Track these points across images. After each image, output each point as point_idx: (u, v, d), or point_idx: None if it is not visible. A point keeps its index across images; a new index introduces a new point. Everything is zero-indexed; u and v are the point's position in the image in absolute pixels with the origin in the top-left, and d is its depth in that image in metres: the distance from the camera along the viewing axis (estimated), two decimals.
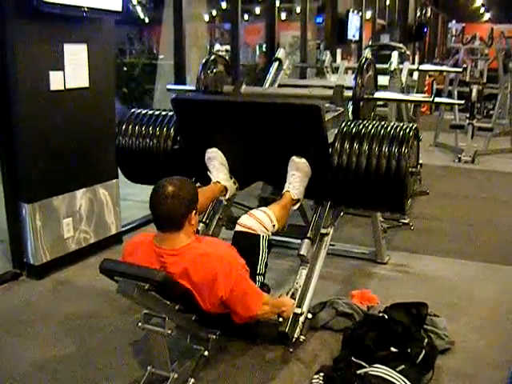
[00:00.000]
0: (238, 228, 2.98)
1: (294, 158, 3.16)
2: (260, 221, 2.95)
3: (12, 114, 3.61)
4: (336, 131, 3.12)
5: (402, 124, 3.11)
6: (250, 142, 3.34)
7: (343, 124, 3.15)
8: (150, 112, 3.72)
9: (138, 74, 9.26)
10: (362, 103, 3.52)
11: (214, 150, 3.38)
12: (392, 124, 3.10)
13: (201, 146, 3.42)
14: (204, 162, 3.41)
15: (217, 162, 3.37)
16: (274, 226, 2.99)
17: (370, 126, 3.07)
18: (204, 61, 3.89)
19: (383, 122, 3.15)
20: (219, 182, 3.33)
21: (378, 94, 3.75)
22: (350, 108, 3.60)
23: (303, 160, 3.15)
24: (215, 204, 3.54)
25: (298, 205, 3.24)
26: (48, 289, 3.76)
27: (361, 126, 3.09)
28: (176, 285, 2.48)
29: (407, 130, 3.00)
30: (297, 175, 3.16)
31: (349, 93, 3.61)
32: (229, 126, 3.36)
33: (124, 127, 3.66)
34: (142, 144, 3.59)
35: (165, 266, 2.52)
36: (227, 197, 3.42)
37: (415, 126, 3.08)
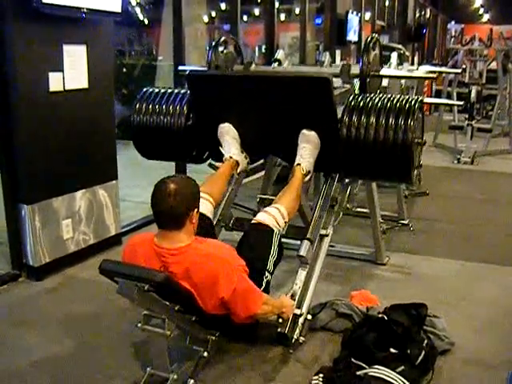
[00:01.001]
0: (253, 221, 3.09)
1: (304, 130, 3.28)
2: (274, 217, 3.04)
3: (11, 115, 3.61)
4: (344, 106, 3.21)
5: (407, 97, 3.20)
6: (262, 116, 3.44)
7: (351, 98, 3.25)
8: (163, 90, 3.84)
9: (137, 75, 9.27)
10: (368, 80, 3.61)
11: (227, 124, 3.51)
12: (398, 97, 3.20)
13: (213, 121, 3.54)
14: (216, 138, 3.52)
15: (229, 137, 3.50)
16: (285, 222, 3.10)
17: (377, 100, 3.18)
18: (214, 42, 4.00)
19: (389, 95, 3.24)
20: (231, 157, 3.46)
21: (383, 71, 3.88)
22: (357, 85, 3.71)
23: (313, 133, 3.27)
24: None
25: (308, 176, 3.35)
26: (47, 290, 3.75)
27: (368, 100, 3.20)
28: (176, 285, 2.48)
29: (412, 103, 3.10)
30: (307, 147, 3.28)
31: (355, 70, 3.72)
32: (241, 100, 3.45)
33: (138, 106, 3.80)
34: (156, 121, 3.73)
35: (166, 265, 2.52)
36: (239, 171, 3.54)
37: (420, 98, 3.17)
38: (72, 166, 4.00)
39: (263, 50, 9.16)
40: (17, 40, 3.50)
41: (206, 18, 9.57)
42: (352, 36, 10.45)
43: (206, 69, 3.95)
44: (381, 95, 3.27)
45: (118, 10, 3.99)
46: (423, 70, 5.57)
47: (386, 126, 3.04)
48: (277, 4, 7.87)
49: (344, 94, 3.58)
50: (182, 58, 5.62)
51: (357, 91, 3.70)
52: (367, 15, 12.71)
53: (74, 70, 3.88)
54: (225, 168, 3.48)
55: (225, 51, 4.03)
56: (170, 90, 3.84)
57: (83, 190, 4.12)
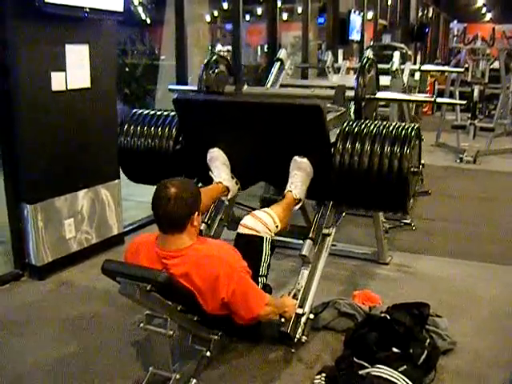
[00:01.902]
0: (240, 230, 2.97)
1: (296, 157, 3.15)
2: (263, 222, 2.94)
3: (14, 114, 3.61)
4: (338, 131, 3.12)
5: (403, 124, 3.12)
6: (252, 142, 3.33)
7: (345, 124, 3.15)
8: (152, 112, 3.73)
9: (139, 74, 9.27)
10: (363, 103, 3.52)
11: (216, 150, 3.38)
12: (394, 124, 3.11)
13: (203, 146, 3.42)
14: (206, 163, 3.41)
15: (219, 163, 3.37)
16: (276, 226, 2.98)
17: (372, 126, 3.08)
18: (206, 61, 3.90)
19: (385, 122, 3.15)
20: (221, 183, 3.32)
21: (379, 94, 3.76)
22: (352, 108, 3.60)
23: (305, 160, 3.14)
24: (217, 204, 3.54)
25: (299, 205, 3.22)
26: (49, 289, 3.76)
27: (363, 126, 3.09)
28: (178, 285, 2.48)
29: (409, 130, 3.00)
30: (299, 175, 3.15)
31: (351, 93, 3.62)
32: (230, 126, 3.35)
33: (126, 127, 3.67)
34: (144, 144, 3.60)
35: (167, 267, 2.51)
36: (229, 197, 3.41)
37: (417, 125, 3.08)
38: (74, 165, 4.01)
39: (265, 50, 9.16)
40: (19, 39, 3.51)
41: (208, 18, 9.56)
42: (354, 35, 10.45)
43: (195, 88, 3.88)
44: (376, 122, 3.17)
45: (121, 9, 4.00)
46: (422, 96, 5.54)
47: (380, 154, 2.93)
48: (279, 3, 7.86)
49: (338, 118, 3.47)
50: (184, 57, 5.62)
51: (352, 114, 3.62)
52: (369, 14, 12.71)
53: (76, 69, 3.88)
54: (214, 187, 3.32)
55: (216, 71, 3.93)
56: (159, 112, 3.71)
57: (85, 189, 4.12)
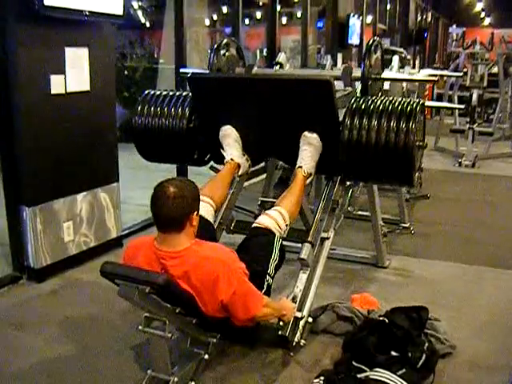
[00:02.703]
0: (254, 225, 3.09)
1: (305, 133, 3.28)
2: (276, 220, 3.05)
3: (13, 117, 3.61)
4: (345, 109, 3.21)
5: (409, 99, 3.21)
6: (263, 119, 3.45)
7: (352, 100, 3.25)
8: (165, 92, 3.85)
9: (138, 77, 9.28)
10: (369, 83, 3.60)
11: (228, 127, 3.51)
12: (399, 99, 3.20)
13: (215, 123, 3.54)
14: (218, 140, 3.53)
15: (231, 140, 3.50)
16: (286, 225, 3.10)
17: (379, 102, 3.18)
18: (216, 45, 3.97)
19: (391, 98, 3.25)
20: (232, 160, 3.47)
21: (385, 74, 3.87)
22: (359, 88, 3.70)
23: (315, 135, 3.26)
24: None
25: (310, 179, 3.35)
26: (48, 292, 3.75)
27: (369, 102, 3.20)
28: (177, 288, 2.48)
29: (414, 105, 3.10)
30: (308, 150, 3.28)
31: (357, 73, 3.71)
32: (242, 103, 3.46)
33: (140, 107, 3.80)
34: (158, 123, 3.72)
35: (165, 268, 2.51)
36: (240, 173, 3.53)
37: (422, 101, 3.18)
38: (73, 168, 4.01)
39: (264, 54, 9.17)
40: (18, 42, 3.51)
41: (207, 22, 9.59)
42: (353, 39, 10.46)
43: (207, 71, 3.95)
44: (382, 98, 3.27)
45: (120, 12, 4.00)
46: (424, 74, 5.59)
47: (387, 129, 3.04)
48: (278, 7, 7.88)
49: (345, 97, 3.57)
50: (183, 61, 5.63)
51: (358, 94, 3.69)
52: (369, 19, 12.72)
53: (75, 72, 3.89)
54: (226, 171, 3.48)
55: (227, 54, 4.02)
56: (171, 93, 3.83)
57: (84, 192, 4.12)
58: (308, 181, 3.34)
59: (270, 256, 2.93)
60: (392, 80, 4.48)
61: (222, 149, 3.53)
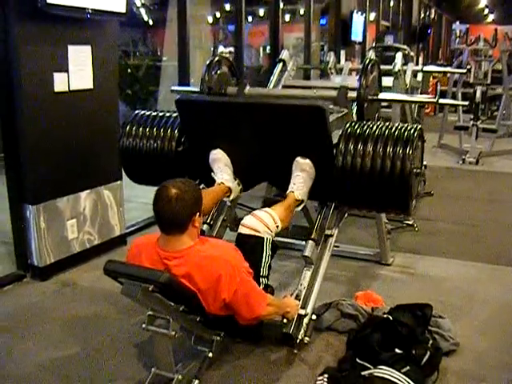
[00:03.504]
0: (241, 230, 2.96)
1: (298, 158, 3.15)
2: (263, 221, 2.93)
3: (16, 115, 3.62)
4: (340, 132, 3.11)
5: (406, 125, 3.10)
6: (254, 143, 3.33)
7: (347, 125, 3.14)
8: (154, 113, 3.70)
9: (141, 75, 9.28)
10: (366, 104, 3.51)
11: (218, 151, 3.38)
12: (396, 125, 3.09)
13: (205, 147, 3.42)
14: (208, 164, 3.41)
15: (221, 164, 3.37)
16: (277, 226, 2.98)
17: (375, 127, 3.06)
18: (208, 62, 3.88)
19: (387, 123, 3.13)
20: (223, 183, 3.32)
21: (382, 95, 3.74)
22: (355, 109, 3.60)
23: (307, 161, 3.14)
24: (219, 205, 3.54)
25: (301, 206, 3.22)
26: (52, 290, 3.76)
27: (365, 127, 3.08)
28: (180, 286, 2.48)
29: (411, 131, 2.98)
30: (301, 176, 3.15)
31: (353, 94, 3.61)
32: (232, 127, 3.34)
33: (128, 128, 3.65)
34: (146, 145, 3.58)
35: (168, 268, 2.51)
36: (231, 198, 3.41)
37: (419, 126, 3.07)
38: (77, 166, 4.01)
39: (268, 51, 9.16)
40: (21, 40, 3.51)
41: (210, 19, 9.57)
42: (357, 36, 10.44)
43: (197, 89, 3.86)
44: (378, 123, 3.16)
45: (123, 10, 4.00)
46: (424, 97, 5.53)
47: (383, 155, 2.92)
48: (281, 5, 7.86)
49: (340, 119, 3.47)
50: (186, 58, 5.62)
51: (354, 115, 3.61)
52: (372, 15, 12.71)
53: (78, 70, 3.89)
54: (216, 188, 3.33)
55: (218, 72, 3.92)
56: (161, 114, 3.69)
57: (88, 190, 4.13)
58: (299, 208, 3.22)
59: (260, 261, 2.88)
60: (390, 101, 4.41)
61: (213, 172, 3.40)
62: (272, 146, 3.28)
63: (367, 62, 3.58)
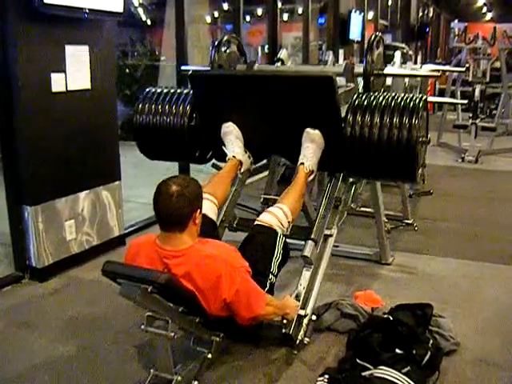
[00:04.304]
0: (256, 223, 3.06)
1: (307, 129, 3.26)
2: (277, 217, 3.03)
3: (14, 115, 3.60)
4: (348, 105, 3.19)
5: (411, 95, 3.18)
6: (265, 116, 3.42)
7: (355, 96, 3.23)
8: (166, 90, 3.83)
9: (140, 75, 9.27)
10: (372, 79, 3.57)
11: (230, 123, 3.49)
12: (402, 95, 3.17)
13: (216, 121, 3.52)
14: (220, 138, 3.51)
15: (232, 137, 3.48)
16: (289, 222, 3.08)
17: (381, 98, 3.15)
18: (217, 41, 3.95)
19: (394, 94, 3.22)
20: (234, 157, 3.45)
21: (387, 70, 3.84)
22: (361, 84, 3.67)
23: (317, 131, 3.25)
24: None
25: (312, 176, 3.33)
26: (50, 291, 3.74)
27: (372, 98, 3.17)
28: (179, 287, 2.46)
29: (417, 101, 3.08)
30: (311, 147, 3.26)
31: (359, 69, 3.68)
32: (244, 100, 3.43)
33: (141, 105, 3.78)
34: (159, 121, 3.70)
35: (168, 267, 2.50)
36: (242, 170, 3.51)
37: (425, 97, 3.15)
38: (75, 166, 4.00)
39: (266, 50, 9.15)
40: (19, 41, 3.49)
41: (208, 19, 9.58)
42: (355, 35, 10.43)
43: (208, 68, 3.93)
44: (385, 94, 3.25)
45: (120, 10, 3.98)
46: (426, 69, 5.56)
47: (390, 125, 3.01)
48: (279, 4, 7.85)
49: (348, 93, 3.54)
50: (184, 58, 5.61)
51: (361, 90, 3.67)
52: (370, 14, 12.69)
53: (76, 70, 3.87)
54: (228, 168, 3.46)
55: (228, 51, 3.99)
56: (172, 90, 3.82)
57: (86, 190, 4.11)
58: (310, 178, 3.33)
59: (272, 254, 2.91)
60: (394, 75, 4.46)
61: (224, 146, 3.51)
62: (282, 117, 3.37)
63: (372, 37, 3.64)
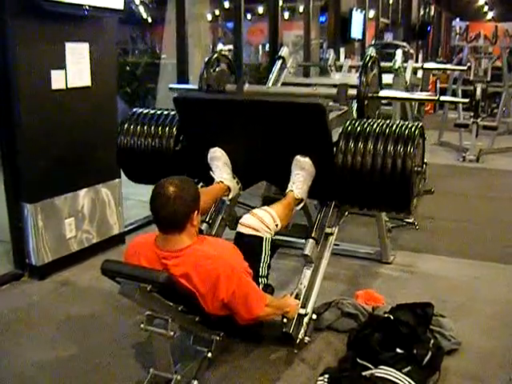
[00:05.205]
0: (240, 229, 2.93)
1: (297, 157, 3.12)
2: (262, 220, 2.90)
3: (13, 113, 3.59)
4: (340, 130, 3.08)
5: (407, 123, 3.07)
6: (253, 142, 3.29)
7: (348, 123, 3.10)
8: (152, 111, 3.67)
9: (140, 73, 9.26)
10: (366, 102, 3.48)
11: (217, 149, 3.34)
12: (397, 123, 3.06)
13: (203, 145, 3.38)
14: (207, 162, 3.37)
15: (220, 162, 3.33)
16: (276, 225, 2.94)
17: (375, 125, 3.03)
18: (207, 59, 3.85)
19: (388, 121, 3.10)
20: (222, 182, 3.29)
21: (382, 93, 3.71)
22: (355, 107, 3.57)
23: (307, 159, 3.11)
24: (218, 204, 3.51)
25: (301, 205, 3.19)
26: (50, 289, 3.74)
27: (365, 125, 3.04)
28: (179, 286, 2.45)
29: (412, 129, 2.95)
30: (301, 174, 3.12)
31: (353, 91, 3.57)
32: (231, 125, 3.31)
33: (126, 126, 3.61)
34: (144, 144, 3.54)
35: (167, 268, 2.48)
36: (230, 197, 3.37)
37: (420, 124, 3.04)
38: (75, 164, 3.99)
39: (267, 49, 9.14)
40: (18, 37, 3.48)
41: (209, 17, 9.54)
42: (356, 34, 10.42)
43: (196, 87, 3.83)
44: (379, 120, 3.12)
45: (121, 7, 3.97)
46: (425, 94, 5.51)
47: (384, 153, 2.88)
48: (280, 2, 7.84)
49: (341, 117, 3.44)
50: (185, 56, 5.61)
51: (354, 113, 3.57)
52: (371, 13, 12.68)
53: (76, 67, 3.86)
54: (215, 187, 3.30)
55: (217, 69, 3.88)
56: (159, 112, 3.66)
57: (86, 188, 4.10)
58: (298, 207, 3.19)
59: (259, 260, 2.85)
60: (390, 99, 4.38)
61: (212, 171, 3.36)
62: (271, 144, 3.24)
63: (367, 59, 3.54)
